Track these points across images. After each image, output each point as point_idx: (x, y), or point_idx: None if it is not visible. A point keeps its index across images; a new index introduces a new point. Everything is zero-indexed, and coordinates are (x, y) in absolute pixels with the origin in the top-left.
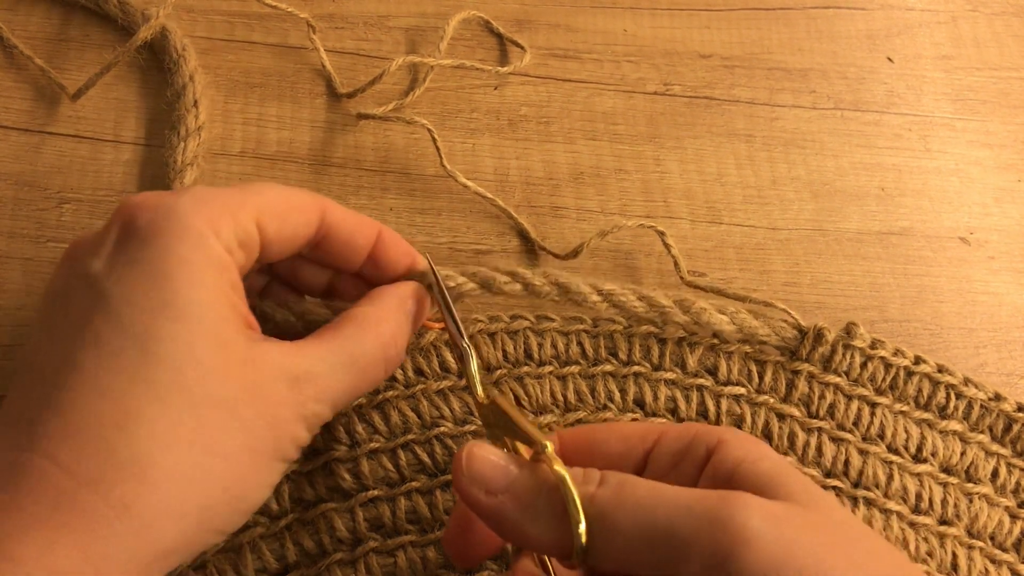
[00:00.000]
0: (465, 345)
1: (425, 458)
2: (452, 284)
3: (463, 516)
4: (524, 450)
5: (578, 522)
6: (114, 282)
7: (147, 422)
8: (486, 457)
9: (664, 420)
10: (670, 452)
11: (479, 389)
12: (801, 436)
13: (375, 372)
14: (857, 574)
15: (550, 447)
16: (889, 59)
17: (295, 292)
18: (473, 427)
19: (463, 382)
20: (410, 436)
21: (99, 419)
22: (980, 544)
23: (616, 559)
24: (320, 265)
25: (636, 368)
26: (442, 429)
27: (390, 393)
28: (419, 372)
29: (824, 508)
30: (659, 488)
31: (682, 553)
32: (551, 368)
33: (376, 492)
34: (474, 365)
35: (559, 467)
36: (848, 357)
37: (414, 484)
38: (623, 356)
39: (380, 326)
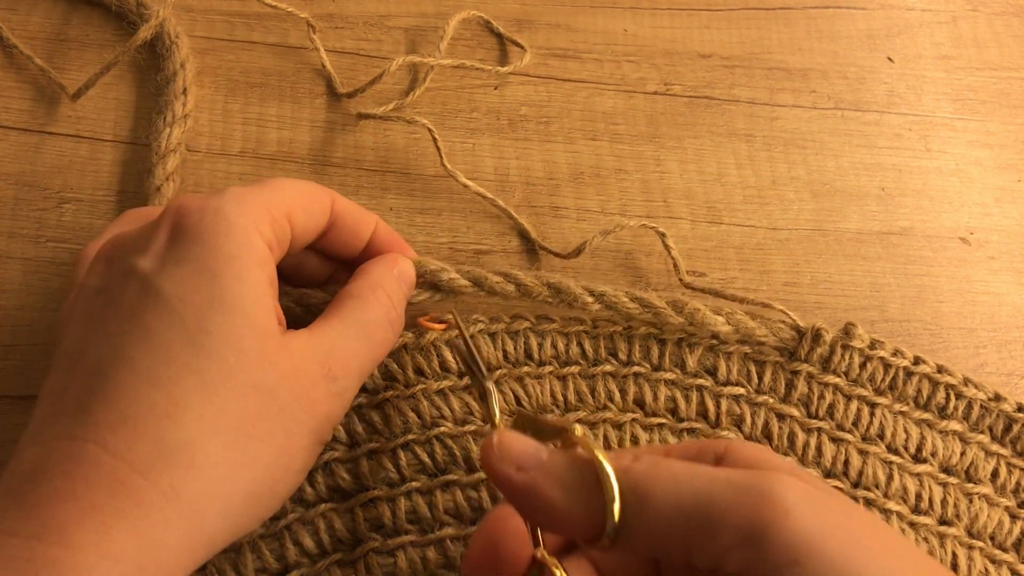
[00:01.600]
0: (489, 386)
1: (425, 458)
2: (445, 278)
3: (485, 542)
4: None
5: (612, 496)
6: (165, 279)
7: (195, 410)
8: (516, 441)
9: (664, 420)
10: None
11: (498, 420)
12: (801, 436)
13: (384, 335)
14: (890, 559)
15: (579, 429)
16: (889, 59)
17: (293, 286)
18: (473, 427)
19: (463, 382)
20: (410, 436)
21: (151, 408)
22: (980, 544)
23: (649, 535)
24: (321, 255)
25: (636, 368)
26: (442, 429)
27: (390, 393)
28: (419, 372)
29: (851, 503)
30: (695, 465)
31: (717, 525)
32: (551, 368)
33: (376, 492)
34: (494, 401)
35: (591, 443)
36: (847, 357)
37: (414, 484)
38: (623, 356)
39: (376, 292)
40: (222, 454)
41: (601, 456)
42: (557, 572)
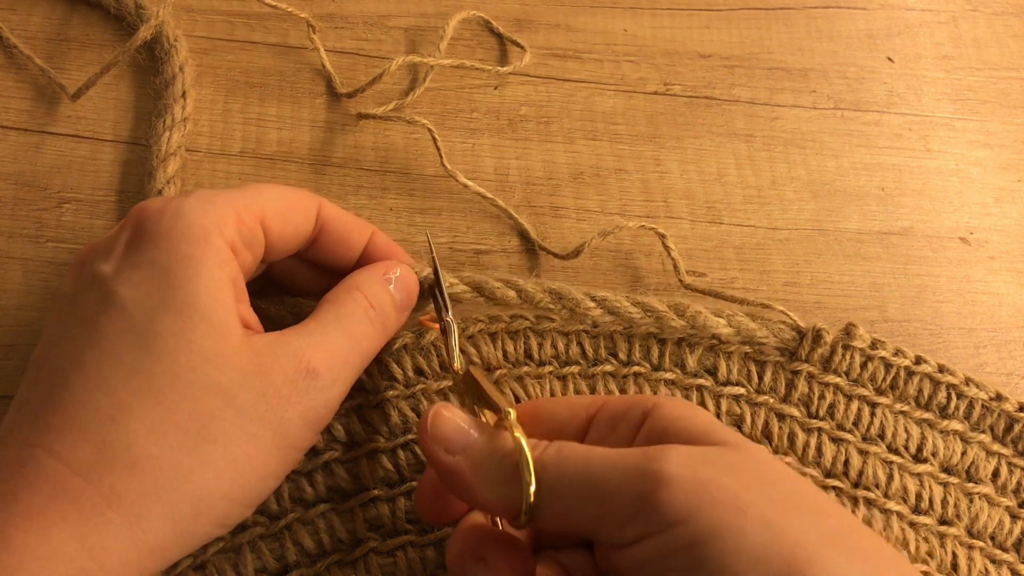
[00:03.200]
0: (448, 319)
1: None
2: (444, 284)
3: (434, 482)
4: (491, 417)
5: (529, 483)
6: (121, 282)
7: (140, 413)
8: (450, 418)
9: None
10: (610, 416)
11: (456, 361)
12: (801, 436)
13: (364, 328)
14: (772, 509)
15: (512, 414)
16: (889, 59)
17: (290, 295)
18: None
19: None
20: (410, 436)
21: (96, 412)
22: (980, 544)
23: (556, 518)
24: (315, 265)
25: (636, 368)
26: None
27: (390, 393)
28: (419, 372)
29: (751, 452)
30: (591, 450)
31: (612, 503)
32: (551, 368)
33: (376, 492)
34: (454, 338)
35: (518, 432)
36: (848, 357)
37: (414, 484)
38: (623, 356)
39: (352, 292)
40: (167, 456)
41: (525, 445)
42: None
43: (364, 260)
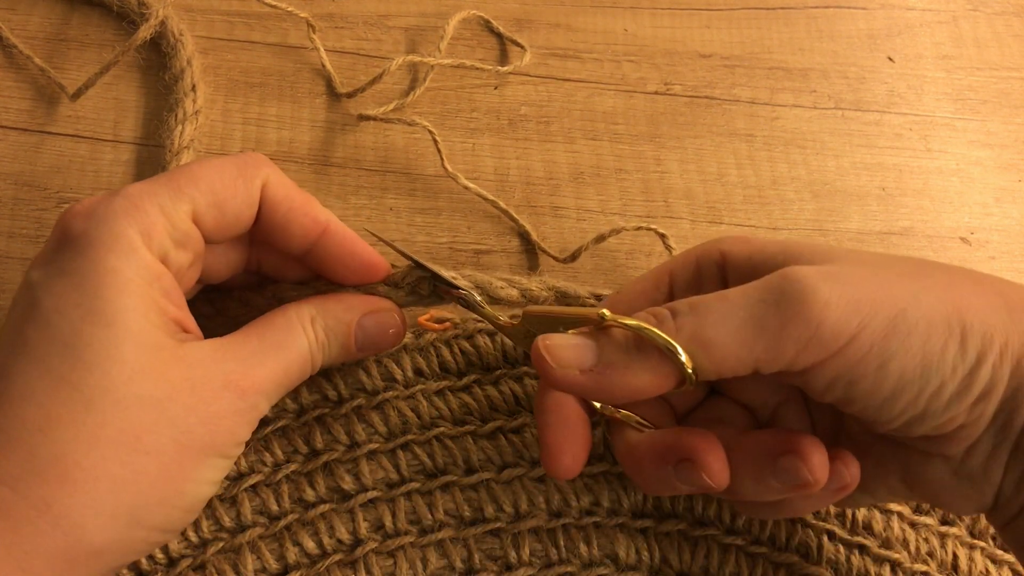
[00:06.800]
0: (463, 293)
1: (424, 458)
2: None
3: (556, 440)
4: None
5: (676, 351)
6: (45, 291)
7: (71, 424)
8: (561, 344)
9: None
10: (687, 284)
11: (503, 318)
12: None
13: (303, 366)
14: (907, 285)
15: (608, 312)
16: (890, 59)
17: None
18: (472, 427)
19: (463, 382)
20: (409, 436)
21: (23, 423)
22: (982, 544)
23: (719, 370)
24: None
25: None
26: (441, 429)
27: (390, 393)
28: (418, 372)
29: (852, 258)
30: (725, 295)
31: (776, 339)
32: None
33: (375, 492)
34: (486, 304)
35: (629, 320)
36: None
37: (413, 484)
38: None
39: (306, 325)
40: (100, 467)
41: (649, 326)
42: (635, 418)
43: (319, 251)
